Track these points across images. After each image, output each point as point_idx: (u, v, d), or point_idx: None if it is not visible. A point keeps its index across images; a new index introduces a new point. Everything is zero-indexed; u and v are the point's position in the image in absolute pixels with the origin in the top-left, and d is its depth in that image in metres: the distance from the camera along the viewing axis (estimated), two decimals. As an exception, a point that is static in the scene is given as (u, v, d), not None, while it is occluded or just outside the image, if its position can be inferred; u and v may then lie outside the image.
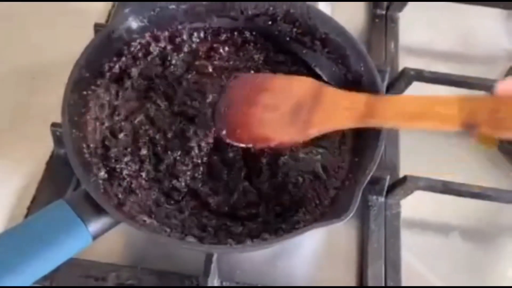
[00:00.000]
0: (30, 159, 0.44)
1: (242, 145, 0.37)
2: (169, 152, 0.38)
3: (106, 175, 0.37)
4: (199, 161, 0.38)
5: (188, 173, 0.38)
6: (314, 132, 0.36)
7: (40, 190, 0.42)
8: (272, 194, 0.37)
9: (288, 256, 0.40)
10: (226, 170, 0.38)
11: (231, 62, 0.43)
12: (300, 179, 0.38)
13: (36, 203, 0.41)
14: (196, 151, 0.38)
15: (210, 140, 0.39)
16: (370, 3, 0.55)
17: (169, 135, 0.39)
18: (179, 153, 0.38)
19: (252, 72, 0.43)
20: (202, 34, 0.43)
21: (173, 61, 0.43)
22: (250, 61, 0.43)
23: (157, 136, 0.39)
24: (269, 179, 0.38)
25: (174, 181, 0.37)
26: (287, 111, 0.36)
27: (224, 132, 0.37)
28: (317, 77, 0.43)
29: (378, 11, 0.55)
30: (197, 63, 0.43)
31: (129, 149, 0.38)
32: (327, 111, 0.35)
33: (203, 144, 0.39)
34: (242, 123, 0.37)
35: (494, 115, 0.31)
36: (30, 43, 0.51)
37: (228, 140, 0.37)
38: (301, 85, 0.37)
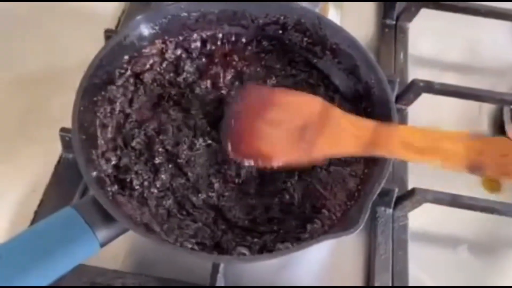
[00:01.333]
0: (38, 163, 0.44)
1: (245, 162, 0.36)
2: (184, 162, 0.38)
3: (116, 183, 0.36)
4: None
5: (205, 187, 0.38)
6: (319, 156, 0.35)
7: (48, 194, 0.42)
8: (292, 209, 0.37)
9: (295, 267, 0.40)
10: (246, 184, 0.38)
11: (244, 69, 0.43)
12: (318, 192, 0.37)
13: (43, 207, 0.41)
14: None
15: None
16: (380, 13, 0.55)
17: (184, 145, 0.39)
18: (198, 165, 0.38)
19: (264, 82, 0.43)
20: (214, 42, 0.43)
21: (186, 68, 0.42)
22: (264, 70, 0.43)
23: (171, 145, 0.39)
24: (292, 193, 0.38)
25: (191, 195, 0.37)
26: (293, 129, 0.35)
27: (229, 146, 0.36)
28: (332, 87, 0.42)
29: (388, 21, 0.55)
30: (209, 71, 0.43)
31: (142, 158, 0.38)
32: (334, 136, 0.35)
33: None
34: (246, 137, 0.36)
35: (501, 159, 0.31)
36: (41, 48, 0.51)
37: (231, 156, 0.36)
38: (310, 103, 0.37)
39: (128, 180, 0.37)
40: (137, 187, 0.37)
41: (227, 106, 0.40)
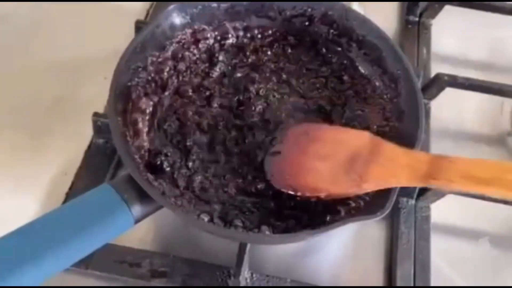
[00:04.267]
0: (70, 147, 0.45)
1: (291, 192, 0.36)
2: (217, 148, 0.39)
3: (147, 166, 0.37)
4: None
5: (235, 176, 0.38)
6: (370, 187, 0.34)
7: (78, 177, 0.43)
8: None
9: (317, 253, 0.41)
10: None
11: (276, 63, 0.44)
12: None
13: (74, 190, 0.43)
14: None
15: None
16: (403, 10, 0.56)
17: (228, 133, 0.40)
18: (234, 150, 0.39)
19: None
20: (245, 34, 0.45)
21: (220, 58, 0.44)
22: (296, 64, 0.44)
23: (203, 129, 0.40)
24: None
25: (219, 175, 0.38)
26: (341, 162, 0.35)
27: (272, 177, 0.36)
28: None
29: (411, 18, 0.55)
30: (241, 62, 0.44)
31: (173, 140, 0.39)
32: (385, 167, 0.34)
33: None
34: (292, 171, 0.36)
35: None
36: (73, 38, 0.53)
37: (276, 186, 0.36)
38: (357, 138, 0.36)
39: (158, 162, 0.38)
40: (167, 169, 0.38)
41: (272, 146, 0.39)
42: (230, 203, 0.37)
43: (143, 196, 0.32)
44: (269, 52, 0.45)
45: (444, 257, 0.42)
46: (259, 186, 0.37)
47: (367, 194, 0.36)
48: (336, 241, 0.42)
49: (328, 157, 0.36)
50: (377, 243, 0.42)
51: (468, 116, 0.51)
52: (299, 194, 0.35)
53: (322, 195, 0.35)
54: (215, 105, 0.42)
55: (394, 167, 0.34)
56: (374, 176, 0.34)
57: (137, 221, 0.32)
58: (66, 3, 0.55)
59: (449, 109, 0.50)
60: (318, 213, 0.36)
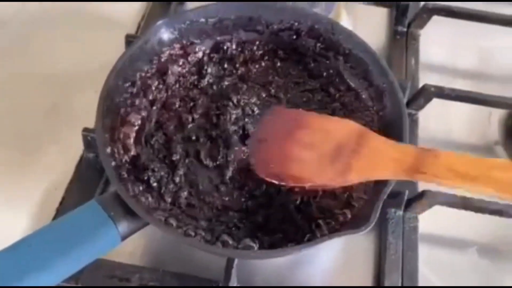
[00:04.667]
0: (60, 161, 0.46)
1: (274, 181, 0.34)
2: (206, 159, 0.40)
3: (136, 181, 0.38)
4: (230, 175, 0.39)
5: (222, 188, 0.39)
6: (354, 178, 0.33)
7: (69, 193, 0.44)
8: (305, 209, 0.37)
9: (306, 265, 0.41)
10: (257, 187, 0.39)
11: (265, 77, 0.45)
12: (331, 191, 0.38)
13: (65, 205, 0.43)
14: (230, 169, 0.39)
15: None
16: (392, 20, 0.57)
17: (205, 144, 0.41)
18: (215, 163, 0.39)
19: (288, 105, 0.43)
20: (235, 47, 0.45)
21: (209, 70, 0.44)
22: (285, 77, 0.45)
23: (190, 143, 0.41)
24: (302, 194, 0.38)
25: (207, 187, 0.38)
26: (326, 152, 0.34)
27: (256, 166, 0.35)
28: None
29: (400, 28, 0.56)
30: (230, 72, 0.45)
31: (159, 155, 0.40)
32: (371, 159, 0.33)
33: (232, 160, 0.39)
34: (277, 159, 0.35)
35: None
36: (65, 51, 0.53)
37: (260, 175, 0.35)
38: (345, 127, 0.35)
39: (145, 178, 0.38)
40: (154, 184, 0.38)
41: (256, 125, 0.39)
42: (217, 219, 0.37)
43: (129, 213, 0.32)
44: (257, 66, 0.45)
45: (432, 267, 0.42)
46: (246, 202, 0.38)
47: (352, 208, 0.36)
48: (325, 253, 0.42)
49: (314, 146, 0.35)
50: (365, 254, 0.42)
51: (456, 125, 0.51)
52: (283, 183, 0.35)
53: (307, 185, 0.34)
54: (196, 115, 0.42)
55: (379, 159, 0.33)
56: (359, 168, 0.33)
57: (124, 238, 0.33)
58: (60, 14, 0.56)
59: (437, 119, 0.51)
60: (304, 227, 0.36)
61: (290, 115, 0.38)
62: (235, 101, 0.43)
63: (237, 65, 0.45)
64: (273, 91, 0.44)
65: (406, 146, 0.34)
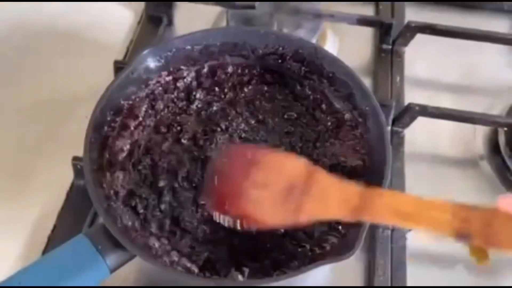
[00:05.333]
0: (51, 189, 0.46)
1: (226, 221, 0.35)
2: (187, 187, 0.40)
3: (125, 210, 0.38)
4: None
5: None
6: (304, 219, 0.34)
7: (60, 220, 0.44)
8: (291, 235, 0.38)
9: (295, 285, 0.41)
10: None
11: (253, 101, 0.45)
12: None
13: (57, 233, 0.43)
14: None
15: None
16: (377, 38, 0.58)
17: (190, 169, 0.41)
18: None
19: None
20: (222, 72, 0.46)
21: (197, 96, 0.45)
22: (272, 102, 0.45)
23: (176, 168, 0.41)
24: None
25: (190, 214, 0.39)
26: (278, 192, 0.35)
27: (210, 203, 0.36)
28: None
29: (384, 46, 0.57)
30: (218, 97, 0.45)
31: (147, 181, 0.40)
32: (320, 200, 0.34)
33: None
34: (229, 197, 0.35)
35: (487, 228, 0.31)
36: (53, 77, 0.54)
37: (212, 212, 0.35)
38: (294, 165, 0.36)
39: (133, 204, 0.39)
40: (141, 211, 0.39)
41: (209, 163, 0.40)
42: (200, 247, 0.37)
43: (118, 246, 0.33)
44: (246, 90, 0.46)
45: (421, 284, 0.42)
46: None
47: (339, 232, 0.37)
48: (314, 274, 0.42)
49: (266, 186, 0.35)
50: (354, 274, 0.43)
51: (442, 140, 0.52)
52: (237, 225, 0.35)
53: (260, 226, 0.35)
54: (184, 140, 0.43)
55: (328, 200, 0.34)
56: (308, 209, 0.34)
57: (113, 270, 0.33)
58: (47, 39, 0.56)
59: (423, 134, 0.52)
60: (290, 255, 0.37)
61: (242, 152, 0.38)
62: (223, 127, 0.43)
63: (226, 90, 0.46)
64: (260, 116, 0.44)
65: (350, 185, 0.35)
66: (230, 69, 0.46)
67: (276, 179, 0.35)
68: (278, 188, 0.35)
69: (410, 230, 0.42)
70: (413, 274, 0.42)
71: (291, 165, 0.36)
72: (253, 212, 0.34)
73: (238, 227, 0.35)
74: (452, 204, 0.32)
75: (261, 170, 0.36)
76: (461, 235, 0.31)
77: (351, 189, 0.34)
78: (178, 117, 0.44)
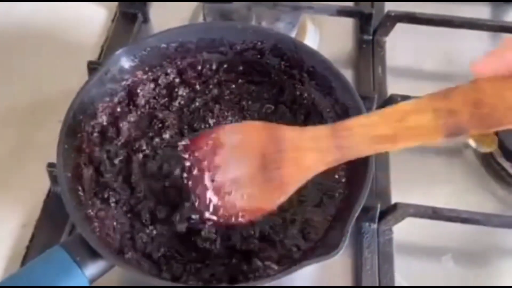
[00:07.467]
0: (27, 197, 0.45)
1: (219, 220, 0.32)
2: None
3: (100, 218, 0.37)
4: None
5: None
6: (291, 189, 0.31)
7: (39, 229, 0.43)
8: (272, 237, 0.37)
9: (282, 283, 0.41)
10: None
11: (239, 101, 0.44)
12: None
13: (35, 242, 0.42)
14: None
15: None
16: (357, 28, 0.57)
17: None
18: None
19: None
20: (197, 69, 0.45)
21: (180, 93, 0.44)
22: (258, 100, 0.44)
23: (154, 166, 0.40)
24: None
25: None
26: (255, 172, 0.31)
27: (197, 204, 0.32)
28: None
29: (365, 37, 0.56)
30: (203, 94, 0.44)
31: (121, 175, 0.39)
32: (295, 159, 0.31)
33: None
34: (218, 197, 0.32)
35: (477, 111, 0.26)
36: (25, 81, 0.52)
37: (206, 215, 0.32)
38: (254, 133, 0.32)
39: (106, 196, 0.38)
40: (112, 204, 0.38)
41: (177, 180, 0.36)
42: (178, 259, 0.36)
43: (95, 256, 0.32)
44: (233, 86, 0.45)
45: (408, 278, 0.42)
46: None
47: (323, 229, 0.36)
48: (301, 271, 0.42)
49: (241, 169, 0.31)
50: (342, 269, 0.42)
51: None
52: (241, 221, 0.32)
53: (254, 219, 0.32)
54: (167, 136, 0.42)
55: (301, 156, 0.31)
56: (290, 175, 0.31)
57: (92, 280, 0.32)
58: (18, 41, 0.54)
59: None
60: (272, 255, 0.36)
61: (204, 140, 0.33)
62: (211, 123, 0.42)
63: (211, 86, 0.45)
64: (247, 115, 0.43)
65: (319, 128, 0.31)
66: (208, 66, 0.45)
67: (246, 154, 0.31)
68: (253, 167, 0.31)
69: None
70: (401, 266, 0.42)
71: (252, 134, 0.32)
72: (246, 204, 0.31)
73: (243, 222, 0.32)
74: (427, 97, 0.28)
75: (227, 150, 0.32)
76: (453, 132, 0.26)
77: (320, 132, 0.31)
78: (159, 114, 0.43)
